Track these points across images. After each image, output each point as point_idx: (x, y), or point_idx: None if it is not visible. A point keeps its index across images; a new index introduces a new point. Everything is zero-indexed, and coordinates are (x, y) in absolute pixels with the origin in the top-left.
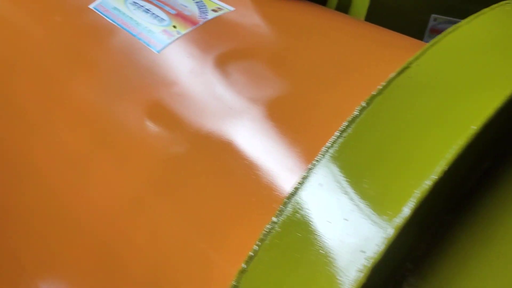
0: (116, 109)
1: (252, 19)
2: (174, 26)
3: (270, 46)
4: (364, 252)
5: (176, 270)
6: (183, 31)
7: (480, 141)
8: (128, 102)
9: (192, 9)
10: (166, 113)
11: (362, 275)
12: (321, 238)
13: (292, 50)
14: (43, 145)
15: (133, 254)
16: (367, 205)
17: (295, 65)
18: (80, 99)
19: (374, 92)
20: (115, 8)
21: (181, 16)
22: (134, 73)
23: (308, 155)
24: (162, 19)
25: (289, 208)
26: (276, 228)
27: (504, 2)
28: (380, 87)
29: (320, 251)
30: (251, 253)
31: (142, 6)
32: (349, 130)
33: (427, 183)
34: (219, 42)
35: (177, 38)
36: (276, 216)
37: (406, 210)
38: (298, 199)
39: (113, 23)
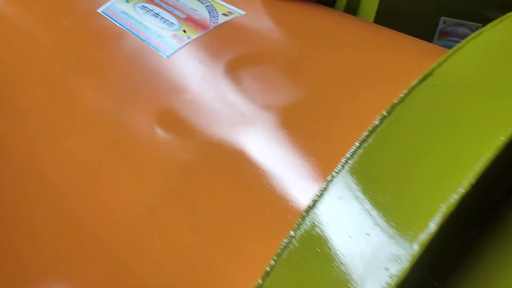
0: (125, 116)
1: (264, 23)
2: (184, 31)
3: (283, 51)
4: (387, 269)
5: (187, 280)
6: (194, 36)
7: (509, 152)
8: (137, 108)
9: (203, 13)
10: (177, 120)
11: None
12: (341, 254)
13: (306, 55)
14: (52, 152)
15: (143, 263)
16: (390, 219)
17: (310, 71)
18: (89, 105)
19: (395, 100)
20: (123, 12)
21: (191, 21)
22: (143, 79)
23: (324, 165)
24: (172, 24)
25: (308, 222)
26: (294, 243)
27: None
28: (402, 95)
29: (341, 267)
30: (267, 268)
31: (151, 10)
32: (370, 140)
33: (454, 197)
34: (231, 47)
35: (188, 43)
36: (294, 230)
37: (432, 226)
38: (317, 212)
39: (122, 27)
